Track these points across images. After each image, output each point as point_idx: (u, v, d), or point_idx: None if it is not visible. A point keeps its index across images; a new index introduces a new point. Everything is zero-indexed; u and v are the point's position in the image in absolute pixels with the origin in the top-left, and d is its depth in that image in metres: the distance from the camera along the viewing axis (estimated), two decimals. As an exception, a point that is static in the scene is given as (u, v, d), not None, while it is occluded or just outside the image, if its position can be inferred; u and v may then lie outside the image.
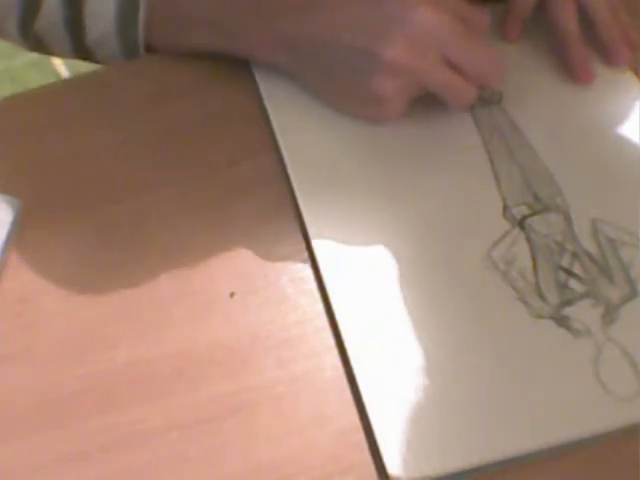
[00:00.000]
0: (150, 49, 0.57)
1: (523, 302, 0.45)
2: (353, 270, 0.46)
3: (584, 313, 0.44)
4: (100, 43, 0.56)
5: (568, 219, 0.48)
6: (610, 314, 0.44)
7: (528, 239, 0.47)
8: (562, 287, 0.45)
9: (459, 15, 0.50)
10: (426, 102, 0.51)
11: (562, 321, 0.44)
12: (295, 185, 0.50)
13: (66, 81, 1.12)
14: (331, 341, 0.44)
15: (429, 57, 0.48)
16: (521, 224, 0.48)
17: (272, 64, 0.53)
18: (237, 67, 0.55)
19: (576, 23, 0.54)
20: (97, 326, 0.45)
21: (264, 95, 0.54)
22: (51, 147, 0.53)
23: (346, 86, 0.51)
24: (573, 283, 0.46)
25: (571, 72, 0.55)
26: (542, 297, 0.45)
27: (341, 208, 0.49)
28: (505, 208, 0.49)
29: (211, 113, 0.54)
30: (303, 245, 0.48)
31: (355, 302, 0.45)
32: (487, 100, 0.54)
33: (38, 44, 0.59)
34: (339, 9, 0.50)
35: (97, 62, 0.60)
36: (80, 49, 0.58)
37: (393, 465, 0.39)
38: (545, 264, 0.46)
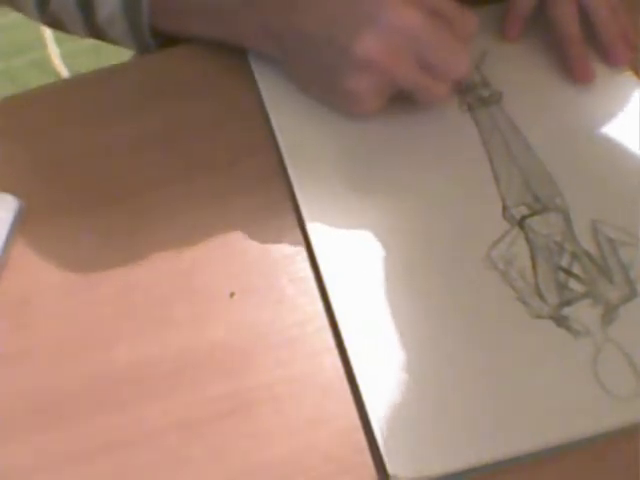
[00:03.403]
0: (159, 33, 0.58)
1: (522, 302, 0.45)
2: (353, 270, 0.46)
3: (583, 313, 0.44)
4: (110, 23, 0.57)
5: (567, 219, 0.48)
6: (609, 314, 0.44)
7: (527, 239, 0.47)
8: (561, 287, 0.45)
9: (443, 15, 0.50)
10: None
11: (561, 321, 0.44)
12: (295, 185, 0.50)
13: (66, 81, 1.12)
14: (331, 341, 0.44)
15: (401, 56, 0.49)
16: (520, 224, 0.48)
17: (267, 54, 0.54)
18: (237, 67, 0.55)
19: (577, 24, 0.55)
20: (97, 326, 0.45)
21: (264, 95, 0.54)
22: (51, 147, 0.53)
23: (324, 81, 0.52)
24: (573, 283, 0.46)
25: (571, 72, 0.55)
26: (541, 297, 0.45)
27: (341, 207, 0.49)
28: (505, 208, 0.49)
29: (211, 113, 0.54)
30: (303, 245, 0.48)
31: (355, 302, 0.45)
32: (487, 100, 0.54)
33: (55, 22, 0.60)
34: (320, 6, 0.50)
35: (112, 42, 0.60)
36: (93, 28, 0.59)
37: (393, 465, 0.39)
38: (545, 264, 0.46)
